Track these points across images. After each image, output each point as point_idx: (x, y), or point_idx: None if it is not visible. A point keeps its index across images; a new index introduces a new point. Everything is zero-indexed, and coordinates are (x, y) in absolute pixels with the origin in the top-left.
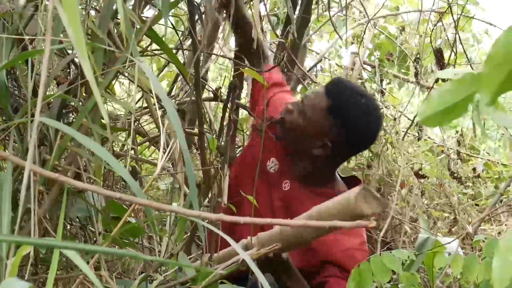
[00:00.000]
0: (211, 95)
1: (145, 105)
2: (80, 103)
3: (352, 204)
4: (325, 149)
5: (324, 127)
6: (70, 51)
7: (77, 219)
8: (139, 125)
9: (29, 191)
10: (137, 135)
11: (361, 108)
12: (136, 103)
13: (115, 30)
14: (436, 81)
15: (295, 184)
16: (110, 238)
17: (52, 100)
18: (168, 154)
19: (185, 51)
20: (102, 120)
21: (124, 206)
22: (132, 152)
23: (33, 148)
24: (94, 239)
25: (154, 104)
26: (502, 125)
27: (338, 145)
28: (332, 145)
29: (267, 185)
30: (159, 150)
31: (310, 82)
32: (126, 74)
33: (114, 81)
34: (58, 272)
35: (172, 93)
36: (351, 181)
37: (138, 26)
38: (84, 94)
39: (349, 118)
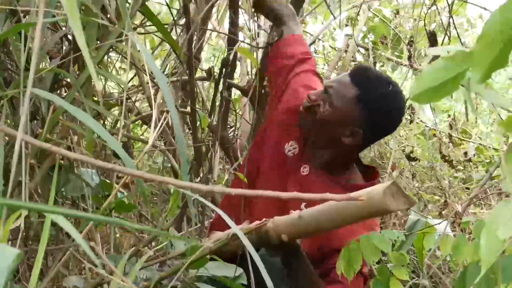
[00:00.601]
0: (204, 74)
1: (137, 83)
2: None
3: (380, 198)
4: (355, 137)
5: (354, 116)
6: (63, 27)
7: (70, 197)
8: (132, 103)
9: (21, 164)
10: (129, 113)
11: (390, 96)
12: (129, 82)
13: (109, 5)
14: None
15: (315, 169)
16: (102, 208)
17: (44, 74)
18: (159, 129)
19: (178, 31)
20: (94, 96)
21: (115, 185)
22: (123, 130)
23: (25, 118)
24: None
25: (148, 83)
26: (493, 103)
27: (367, 133)
28: (362, 133)
29: (283, 169)
30: (150, 127)
31: None
32: (119, 50)
33: (105, 58)
34: (48, 244)
35: (165, 72)
36: (367, 170)
37: (131, 1)
38: (76, 71)
39: (379, 106)
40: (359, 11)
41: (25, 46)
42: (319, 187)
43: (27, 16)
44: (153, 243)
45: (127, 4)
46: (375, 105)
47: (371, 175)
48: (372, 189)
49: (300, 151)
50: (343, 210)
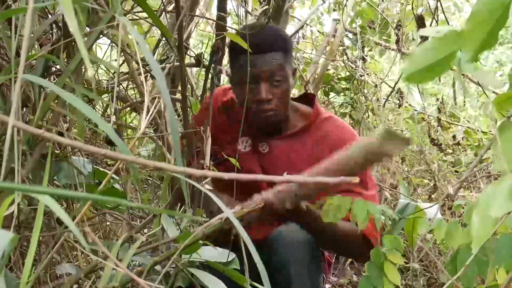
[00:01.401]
0: (193, 61)
1: (127, 70)
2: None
3: (378, 145)
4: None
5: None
6: (52, 14)
7: (62, 186)
8: (124, 89)
9: (13, 151)
10: (119, 101)
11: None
12: (119, 68)
13: None
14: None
15: (274, 140)
16: (98, 190)
17: (35, 61)
18: (151, 115)
19: (167, 16)
20: (84, 84)
21: (108, 172)
22: (114, 117)
23: (16, 104)
24: (78, 204)
25: (138, 69)
26: (482, 82)
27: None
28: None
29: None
30: (140, 114)
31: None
32: (110, 36)
33: (94, 45)
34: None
35: (155, 59)
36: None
37: None
38: (65, 59)
39: (289, 41)
40: None
41: (15, 34)
42: (291, 147)
43: (16, 3)
44: (145, 230)
45: None
46: (289, 45)
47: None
48: (365, 139)
49: (252, 141)
50: (346, 162)
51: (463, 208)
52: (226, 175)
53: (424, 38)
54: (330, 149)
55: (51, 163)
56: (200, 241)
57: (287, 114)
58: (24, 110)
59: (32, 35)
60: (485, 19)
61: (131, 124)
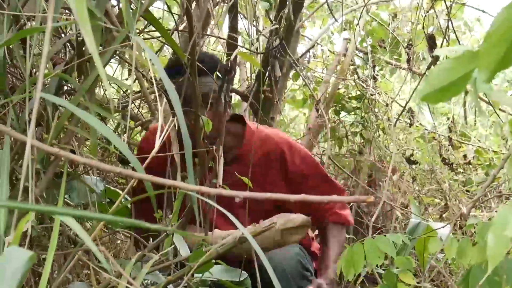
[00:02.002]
0: None
1: (137, 89)
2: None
3: (280, 238)
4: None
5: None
6: (67, 33)
7: (75, 205)
8: (136, 108)
9: (27, 170)
10: (131, 120)
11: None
12: (130, 86)
13: (113, 11)
14: (429, 67)
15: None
16: (111, 210)
17: (49, 80)
18: (165, 134)
19: (179, 35)
20: (97, 103)
21: (119, 191)
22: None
23: (34, 122)
24: (91, 222)
25: (148, 88)
26: (499, 102)
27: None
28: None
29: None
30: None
31: (302, 68)
32: (123, 56)
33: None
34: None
35: None
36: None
37: (134, 7)
38: (77, 78)
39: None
40: (361, 14)
41: (29, 53)
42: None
43: (28, 23)
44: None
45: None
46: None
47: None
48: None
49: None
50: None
51: (474, 227)
52: (241, 194)
53: (435, 58)
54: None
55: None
56: (212, 261)
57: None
58: (38, 129)
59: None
60: (501, 39)
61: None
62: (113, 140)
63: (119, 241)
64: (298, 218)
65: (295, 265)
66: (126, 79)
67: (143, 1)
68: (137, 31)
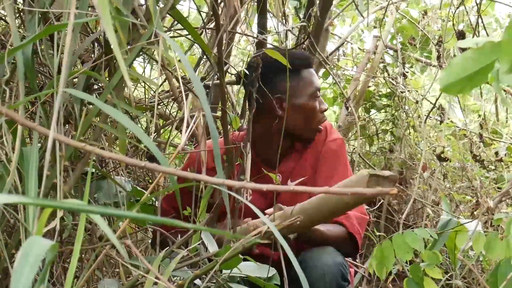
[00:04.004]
0: (234, 79)
1: (167, 88)
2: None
3: (365, 191)
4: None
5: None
6: (94, 32)
7: (103, 204)
8: (164, 106)
9: (55, 166)
10: (160, 119)
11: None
12: (160, 85)
13: (140, 9)
14: None
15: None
16: (138, 205)
17: (77, 78)
18: (191, 129)
19: (207, 35)
20: (125, 101)
21: (144, 191)
22: (154, 133)
23: (56, 115)
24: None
25: (179, 87)
26: None
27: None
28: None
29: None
30: (181, 132)
31: (332, 66)
32: (149, 53)
33: (135, 63)
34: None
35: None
36: None
37: (162, 5)
38: (107, 77)
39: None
40: (385, 12)
41: (57, 51)
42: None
43: (60, 19)
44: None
45: (157, 7)
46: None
47: None
48: (356, 182)
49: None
50: (331, 204)
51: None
52: (265, 187)
53: (463, 52)
54: (320, 157)
55: (92, 182)
56: (241, 256)
57: None
58: (67, 127)
59: (73, 53)
60: None
61: (172, 142)
62: (140, 135)
63: (150, 240)
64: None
65: (336, 273)
66: (156, 78)
67: None
68: (165, 29)
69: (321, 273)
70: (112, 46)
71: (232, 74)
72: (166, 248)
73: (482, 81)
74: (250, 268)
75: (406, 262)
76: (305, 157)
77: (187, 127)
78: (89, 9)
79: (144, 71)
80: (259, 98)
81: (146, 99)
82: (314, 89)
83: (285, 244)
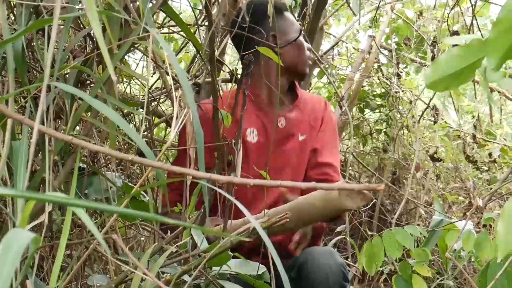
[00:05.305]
0: (227, 76)
1: (161, 86)
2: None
3: (336, 200)
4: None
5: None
6: (86, 27)
7: (94, 199)
8: (156, 103)
9: (44, 161)
10: (153, 116)
11: None
12: (153, 84)
13: (132, 5)
14: (432, 58)
15: (286, 113)
16: (127, 198)
17: (68, 73)
18: (179, 126)
19: (201, 32)
20: (118, 97)
21: (133, 186)
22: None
23: (41, 107)
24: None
25: (170, 83)
26: (509, 91)
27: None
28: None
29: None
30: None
31: (326, 65)
32: (141, 48)
33: (130, 60)
34: (70, 237)
35: (189, 74)
36: None
37: (154, 1)
38: (100, 72)
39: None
40: (376, 11)
41: (48, 45)
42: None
43: (52, 15)
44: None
45: (150, 4)
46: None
47: None
48: (328, 192)
49: (263, 126)
50: (305, 211)
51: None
52: (251, 181)
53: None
54: (315, 115)
55: (83, 177)
56: (230, 253)
57: None
58: (58, 122)
59: (65, 47)
60: (509, 27)
61: (166, 139)
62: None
63: (143, 238)
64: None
65: (338, 274)
66: (152, 75)
67: None
68: (158, 23)
69: (324, 275)
70: (97, 40)
71: (226, 72)
72: (155, 245)
73: (469, 78)
74: (240, 265)
75: (398, 261)
76: (305, 114)
77: (177, 123)
78: (80, 4)
79: (137, 67)
80: (255, 42)
81: (140, 96)
82: (298, 26)
83: (270, 245)
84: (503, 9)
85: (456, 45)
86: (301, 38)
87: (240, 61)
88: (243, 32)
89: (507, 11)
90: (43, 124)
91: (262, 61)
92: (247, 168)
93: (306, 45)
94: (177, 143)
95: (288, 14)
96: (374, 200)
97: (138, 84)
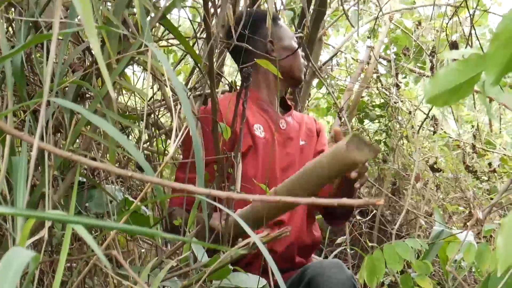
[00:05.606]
0: (227, 88)
1: (161, 98)
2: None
3: (344, 152)
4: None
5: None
6: (85, 41)
7: (94, 214)
8: (156, 116)
9: (44, 175)
10: (152, 128)
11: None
12: (152, 97)
13: (130, 20)
14: (431, 68)
15: (286, 117)
16: (127, 213)
17: (67, 87)
18: (179, 139)
19: (200, 42)
20: (119, 111)
21: (134, 200)
22: (146, 143)
23: (41, 124)
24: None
25: (169, 93)
26: (508, 105)
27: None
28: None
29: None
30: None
31: (325, 76)
32: (140, 62)
33: (129, 72)
34: (71, 251)
35: (188, 86)
36: None
37: (153, 15)
38: (100, 85)
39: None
40: (375, 22)
41: (47, 60)
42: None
43: (50, 30)
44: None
45: (148, 17)
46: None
47: None
48: (335, 146)
49: (268, 125)
50: (312, 173)
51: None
52: (251, 197)
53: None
54: (309, 127)
55: (83, 191)
56: (230, 267)
57: None
58: (58, 136)
59: (64, 61)
60: (508, 41)
61: (167, 152)
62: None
63: (143, 249)
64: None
65: (350, 286)
66: (151, 88)
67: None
68: (157, 38)
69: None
70: (95, 55)
71: (225, 84)
72: (155, 259)
73: (467, 93)
74: (240, 279)
75: (399, 273)
76: (301, 123)
77: (176, 137)
78: (78, 19)
79: (138, 80)
80: (254, 49)
81: (138, 109)
82: (292, 34)
83: (268, 255)
84: (501, 24)
85: (455, 59)
86: (295, 43)
87: (239, 73)
88: (241, 44)
89: (504, 26)
90: (42, 138)
91: (260, 68)
92: (256, 164)
93: (300, 50)
94: (178, 155)
95: (281, 22)
96: (374, 211)
97: (137, 96)
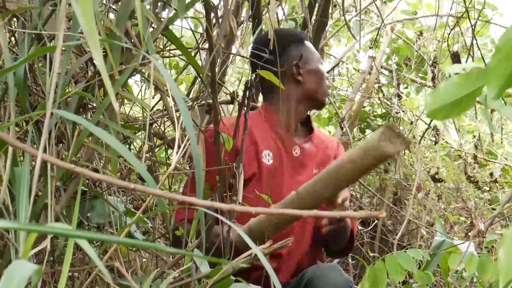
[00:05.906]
0: (228, 98)
1: (163, 108)
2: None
3: (376, 145)
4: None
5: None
6: (87, 52)
7: (96, 224)
8: (157, 126)
9: (46, 187)
10: (154, 138)
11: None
12: (154, 106)
13: (133, 31)
14: (432, 78)
15: (302, 143)
16: (129, 225)
17: (70, 98)
18: (182, 150)
19: (203, 55)
20: (121, 121)
21: (136, 212)
22: (148, 154)
23: (45, 136)
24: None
25: (172, 107)
26: (511, 118)
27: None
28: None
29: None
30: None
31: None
32: (142, 73)
33: (130, 81)
34: (73, 261)
35: (190, 96)
36: None
37: (155, 26)
38: (102, 96)
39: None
40: (377, 33)
41: (50, 71)
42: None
43: (53, 41)
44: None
45: (151, 28)
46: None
47: None
48: (367, 140)
49: (281, 147)
50: (339, 170)
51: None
52: (253, 209)
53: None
54: (327, 153)
55: (85, 201)
56: (232, 277)
57: None
58: (60, 146)
59: (66, 73)
60: (510, 54)
61: (169, 162)
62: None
63: (144, 259)
64: None
65: None
66: (153, 97)
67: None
68: (159, 48)
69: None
70: (98, 66)
71: (227, 94)
72: (157, 270)
73: (468, 106)
74: None
75: (401, 283)
76: (319, 148)
77: (179, 147)
78: (80, 30)
79: (140, 90)
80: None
81: (140, 119)
82: (318, 55)
83: (270, 268)
84: (503, 37)
85: (457, 73)
86: (322, 66)
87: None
88: (264, 65)
89: (506, 39)
90: (45, 149)
91: (282, 91)
92: (260, 189)
93: (326, 73)
94: (181, 165)
95: (308, 43)
96: (376, 221)
97: (139, 106)
